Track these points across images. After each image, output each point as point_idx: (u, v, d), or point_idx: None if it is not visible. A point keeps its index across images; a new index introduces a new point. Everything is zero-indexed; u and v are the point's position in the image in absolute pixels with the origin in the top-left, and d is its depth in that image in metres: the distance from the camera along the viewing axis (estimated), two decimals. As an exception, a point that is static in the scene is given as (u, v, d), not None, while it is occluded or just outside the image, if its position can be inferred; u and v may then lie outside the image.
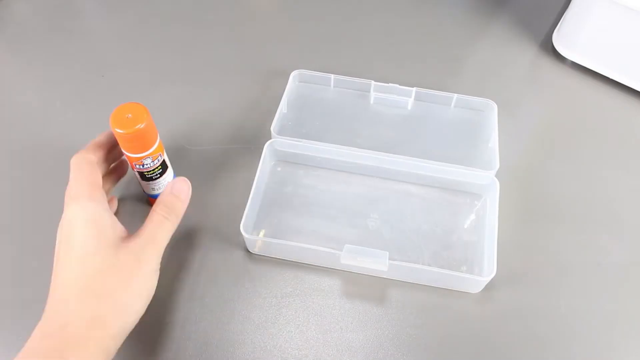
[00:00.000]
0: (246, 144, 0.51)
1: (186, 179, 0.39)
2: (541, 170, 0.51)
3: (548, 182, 0.50)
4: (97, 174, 0.36)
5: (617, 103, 0.56)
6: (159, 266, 0.35)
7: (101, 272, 0.32)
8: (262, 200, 0.47)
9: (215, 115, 0.54)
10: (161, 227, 0.36)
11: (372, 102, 0.54)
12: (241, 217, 0.42)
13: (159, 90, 0.56)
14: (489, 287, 0.42)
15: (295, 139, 0.47)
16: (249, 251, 0.44)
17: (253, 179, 0.45)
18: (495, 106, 0.51)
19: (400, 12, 0.66)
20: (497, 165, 0.46)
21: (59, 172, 0.49)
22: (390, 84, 0.53)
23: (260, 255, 0.44)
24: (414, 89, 0.53)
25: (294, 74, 0.54)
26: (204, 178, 0.49)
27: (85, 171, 0.35)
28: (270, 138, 0.48)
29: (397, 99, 0.54)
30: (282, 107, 0.51)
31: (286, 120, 0.53)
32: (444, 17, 0.65)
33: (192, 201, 0.47)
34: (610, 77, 0.57)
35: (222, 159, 0.50)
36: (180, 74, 0.58)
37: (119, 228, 0.35)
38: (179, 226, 0.45)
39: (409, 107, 0.54)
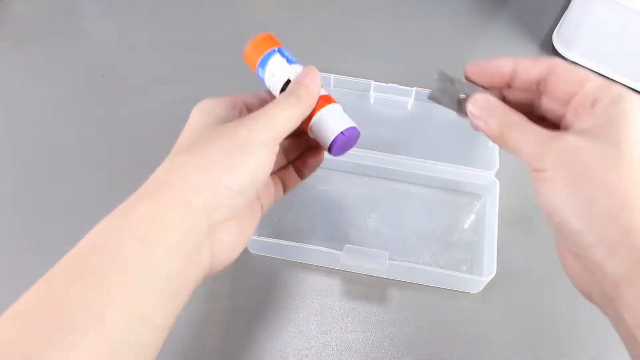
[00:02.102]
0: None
1: (314, 68, 0.32)
2: (541, 170, 0.51)
3: (548, 182, 0.50)
4: (237, 99, 0.32)
5: (617, 103, 0.56)
6: (274, 148, 0.28)
7: (193, 132, 0.28)
8: (262, 200, 0.47)
9: (215, 115, 0.54)
10: (280, 105, 0.29)
11: (372, 102, 0.54)
12: (241, 217, 0.42)
13: (159, 90, 0.56)
14: (489, 287, 0.42)
15: (295, 139, 0.47)
16: (248, 251, 0.44)
17: (253, 179, 0.45)
18: (495, 106, 0.51)
19: (400, 12, 0.66)
20: (497, 165, 0.46)
21: (59, 171, 0.49)
22: (390, 84, 0.53)
23: (260, 255, 0.44)
24: (414, 88, 0.53)
25: (294, 74, 0.54)
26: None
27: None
28: (270, 138, 0.48)
29: (397, 99, 0.54)
30: (282, 107, 0.51)
31: (286, 120, 0.52)
32: (444, 17, 0.65)
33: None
34: (610, 77, 0.57)
35: (222, 159, 0.50)
36: (180, 74, 0.58)
37: (234, 116, 0.30)
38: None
39: (409, 107, 0.54)
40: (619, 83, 0.56)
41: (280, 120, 0.28)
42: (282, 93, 0.30)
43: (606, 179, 0.24)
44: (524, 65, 0.29)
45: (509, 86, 0.30)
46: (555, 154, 0.26)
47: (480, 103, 0.29)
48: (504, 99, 0.31)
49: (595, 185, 0.24)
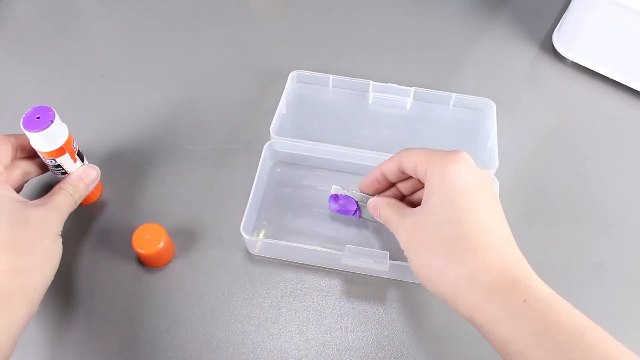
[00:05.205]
0: (246, 144, 0.51)
1: (96, 166, 0.43)
2: (540, 169, 0.51)
3: (547, 182, 0.50)
4: (7, 152, 0.40)
5: (617, 103, 0.56)
6: (60, 233, 0.38)
7: (14, 228, 0.35)
8: (262, 201, 0.47)
9: (215, 115, 0.54)
10: (66, 200, 0.39)
11: (370, 102, 0.54)
12: (241, 218, 0.42)
13: (159, 90, 0.56)
14: (489, 287, 0.42)
15: (294, 139, 0.47)
16: (249, 252, 0.44)
17: (253, 180, 0.45)
18: (494, 105, 0.51)
19: (400, 12, 0.66)
20: (496, 165, 0.46)
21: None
22: (389, 84, 0.53)
23: (260, 256, 0.44)
24: (413, 88, 0.53)
25: (292, 75, 0.54)
26: (204, 178, 0.49)
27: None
28: (270, 139, 0.48)
29: (396, 98, 0.54)
30: (281, 107, 0.51)
31: (285, 121, 0.53)
32: (444, 17, 0.65)
33: (191, 202, 0.47)
34: (610, 77, 0.57)
35: (221, 159, 0.50)
36: (180, 74, 0.58)
37: (17, 196, 0.38)
38: (180, 226, 0.45)
39: (408, 107, 0.54)
40: (619, 83, 0.57)
41: (66, 212, 0.39)
42: (65, 184, 0.41)
43: (429, 244, 0.33)
44: (385, 166, 0.39)
45: (389, 187, 0.41)
46: (403, 227, 0.36)
47: (370, 204, 0.41)
48: (400, 193, 0.41)
49: (426, 249, 0.33)
